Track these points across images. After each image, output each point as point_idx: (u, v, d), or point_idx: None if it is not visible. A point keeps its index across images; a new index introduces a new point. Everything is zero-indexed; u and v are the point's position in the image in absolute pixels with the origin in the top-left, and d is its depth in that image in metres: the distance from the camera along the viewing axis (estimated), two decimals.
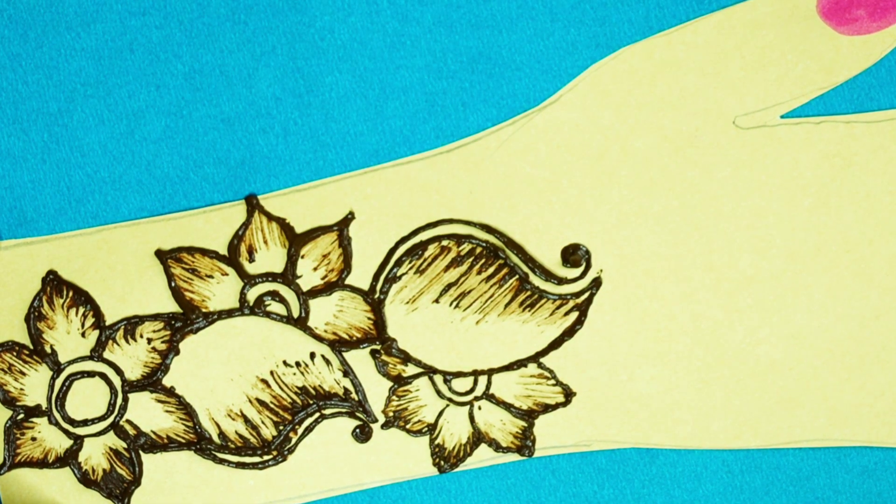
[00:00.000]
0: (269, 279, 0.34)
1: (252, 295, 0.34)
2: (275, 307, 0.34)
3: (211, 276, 0.34)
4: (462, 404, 0.34)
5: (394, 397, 0.34)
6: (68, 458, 0.34)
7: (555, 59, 0.33)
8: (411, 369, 0.34)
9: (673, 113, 0.33)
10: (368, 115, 0.33)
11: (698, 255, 0.34)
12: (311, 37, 0.33)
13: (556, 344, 0.34)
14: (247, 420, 0.34)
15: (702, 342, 0.34)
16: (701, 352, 0.34)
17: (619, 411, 0.34)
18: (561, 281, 0.33)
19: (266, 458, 0.34)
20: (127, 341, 0.34)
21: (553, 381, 0.34)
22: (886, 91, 0.34)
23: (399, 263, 0.34)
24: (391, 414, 0.34)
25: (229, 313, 0.34)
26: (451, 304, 0.34)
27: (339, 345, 0.34)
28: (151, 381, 0.34)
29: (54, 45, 0.34)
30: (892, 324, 0.34)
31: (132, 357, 0.34)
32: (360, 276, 0.34)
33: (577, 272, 0.33)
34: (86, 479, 0.34)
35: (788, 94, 0.34)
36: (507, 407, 0.34)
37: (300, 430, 0.34)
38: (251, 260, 0.34)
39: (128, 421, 0.34)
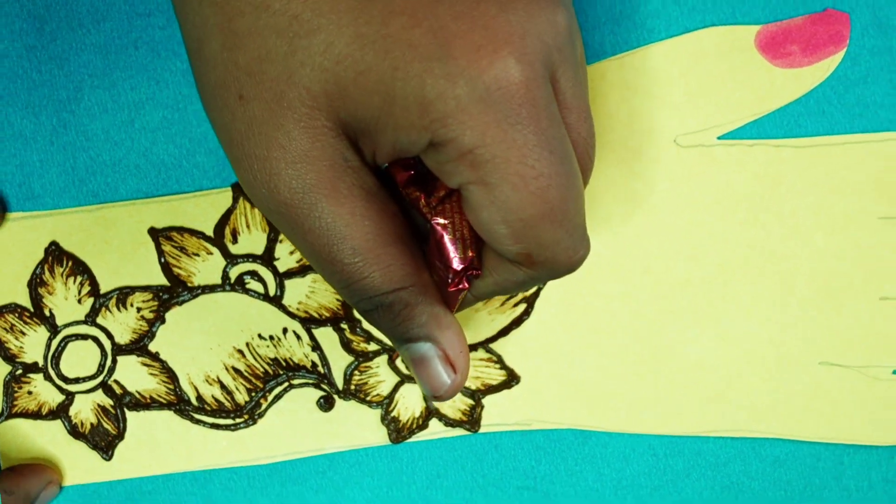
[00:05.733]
0: (250, 260, 0.34)
1: (234, 273, 0.35)
2: (253, 285, 0.35)
3: (197, 254, 0.35)
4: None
5: (356, 372, 0.35)
6: (60, 412, 0.35)
7: None
8: (373, 347, 0.35)
9: (621, 130, 0.34)
10: None
11: (638, 259, 0.35)
12: None
13: (504, 332, 0.35)
14: (223, 386, 0.35)
15: (637, 338, 0.35)
16: (636, 346, 0.35)
17: (558, 395, 0.35)
18: None
19: (238, 420, 0.35)
20: (118, 309, 0.35)
21: (500, 365, 0.35)
22: (814, 120, 0.34)
23: None
24: (352, 387, 0.35)
25: (212, 288, 0.35)
26: None
27: (310, 322, 0.35)
28: (139, 346, 0.35)
29: (66, 40, 0.34)
30: (807, 331, 0.35)
31: (122, 323, 0.35)
32: None
33: None
34: (75, 432, 0.35)
35: (725, 118, 0.34)
36: None
37: (270, 398, 0.35)
38: (234, 241, 0.34)
39: (115, 381, 0.35)
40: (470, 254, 0.26)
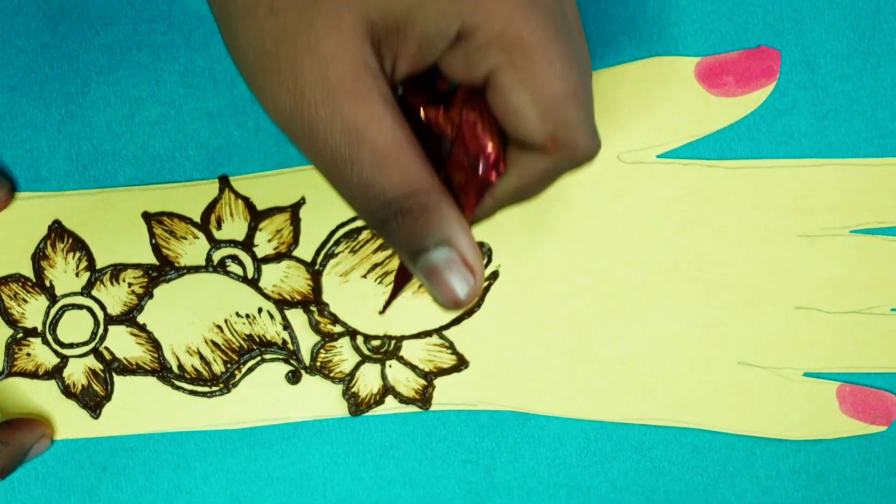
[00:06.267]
0: (232, 245, 0.36)
1: (216, 256, 0.36)
2: (234, 268, 0.36)
3: (185, 238, 0.36)
4: (376, 361, 0.36)
5: (322, 350, 0.36)
6: (55, 373, 0.36)
7: None
8: (338, 329, 0.36)
9: None
10: None
11: (580, 261, 0.36)
12: None
13: (457, 321, 0.37)
14: (202, 357, 0.36)
15: (576, 332, 0.36)
16: (574, 340, 0.36)
17: (502, 380, 0.36)
18: None
19: (214, 389, 0.36)
20: (112, 283, 0.36)
21: (451, 351, 0.36)
22: (744, 144, 0.36)
23: (337, 243, 0.35)
24: (318, 364, 0.36)
25: (196, 269, 0.36)
26: (375, 280, 0.36)
27: (283, 304, 0.36)
28: (128, 318, 0.36)
29: (77, 39, 0.35)
30: (728, 333, 0.36)
31: (115, 296, 0.36)
32: (305, 250, 0.36)
33: None
34: (67, 392, 0.36)
35: (665, 138, 0.36)
36: (413, 368, 0.36)
37: (244, 370, 0.36)
38: (218, 228, 0.36)
39: (106, 348, 0.36)
40: (497, 146, 0.25)
